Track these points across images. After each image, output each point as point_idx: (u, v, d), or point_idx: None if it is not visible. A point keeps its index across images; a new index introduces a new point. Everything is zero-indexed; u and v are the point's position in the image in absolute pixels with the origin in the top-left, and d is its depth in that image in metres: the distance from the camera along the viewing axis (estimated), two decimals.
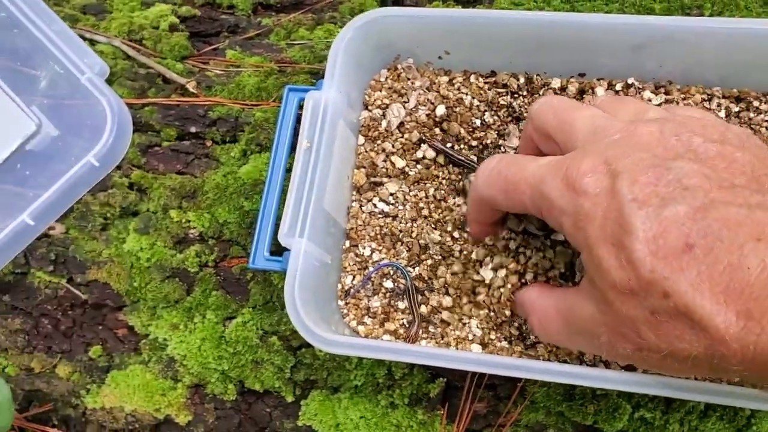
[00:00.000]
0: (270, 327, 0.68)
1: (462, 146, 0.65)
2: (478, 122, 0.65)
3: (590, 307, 0.44)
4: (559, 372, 0.50)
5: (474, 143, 0.65)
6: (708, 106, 0.62)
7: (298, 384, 0.68)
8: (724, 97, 0.62)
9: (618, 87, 0.63)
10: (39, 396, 0.74)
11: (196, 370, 0.69)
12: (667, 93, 0.63)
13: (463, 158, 0.63)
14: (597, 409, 0.61)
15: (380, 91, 0.67)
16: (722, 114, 0.62)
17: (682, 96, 0.62)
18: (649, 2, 0.74)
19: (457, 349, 0.59)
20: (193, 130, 0.75)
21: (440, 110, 0.65)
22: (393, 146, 0.65)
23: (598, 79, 0.64)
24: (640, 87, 0.63)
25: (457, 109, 0.65)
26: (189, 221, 0.71)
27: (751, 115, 0.61)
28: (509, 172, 0.47)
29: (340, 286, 0.64)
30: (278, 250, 0.60)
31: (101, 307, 0.73)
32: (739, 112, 0.62)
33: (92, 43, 0.81)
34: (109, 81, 0.78)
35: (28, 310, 0.74)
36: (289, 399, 0.68)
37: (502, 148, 0.64)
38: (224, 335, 0.69)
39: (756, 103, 0.62)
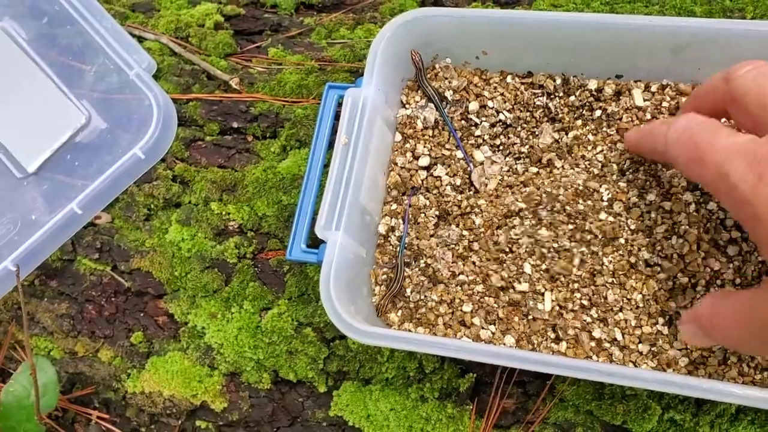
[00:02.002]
0: (305, 318, 0.70)
1: (498, 142, 0.66)
2: (510, 119, 0.66)
3: None
4: (587, 369, 0.50)
5: (505, 140, 0.66)
6: None
7: (330, 375, 0.69)
8: None
9: (653, 89, 0.63)
10: (82, 379, 0.77)
11: (232, 358, 0.71)
12: None
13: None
14: (626, 409, 0.61)
15: (417, 90, 0.68)
16: None
17: None
18: (690, 5, 0.74)
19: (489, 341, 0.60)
20: (234, 125, 0.77)
21: (473, 106, 0.66)
22: (425, 145, 0.66)
23: (635, 81, 0.64)
24: (675, 88, 0.63)
25: (491, 106, 0.66)
26: (229, 214, 0.74)
27: None
28: (701, 139, 0.44)
29: (374, 279, 0.65)
30: (314, 244, 0.62)
31: (143, 295, 0.76)
32: None
33: (140, 39, 0.84)
34: (156, 77, 0.80)
35: (73, 295, 0.77)
36: (322, 389, 0.69)
37: (532, 146, 0.65)
38: (260, 325, 0.71)
39: None
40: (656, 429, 0.62)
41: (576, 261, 0.58)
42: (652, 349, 0.56)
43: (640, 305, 0.57)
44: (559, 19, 0.60)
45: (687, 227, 0.56)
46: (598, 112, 0.64)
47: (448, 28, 0.64)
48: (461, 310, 0.61)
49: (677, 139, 0.47)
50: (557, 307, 0.58)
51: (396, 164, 0.67)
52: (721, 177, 0.41)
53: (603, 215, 0.59)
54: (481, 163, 0.66)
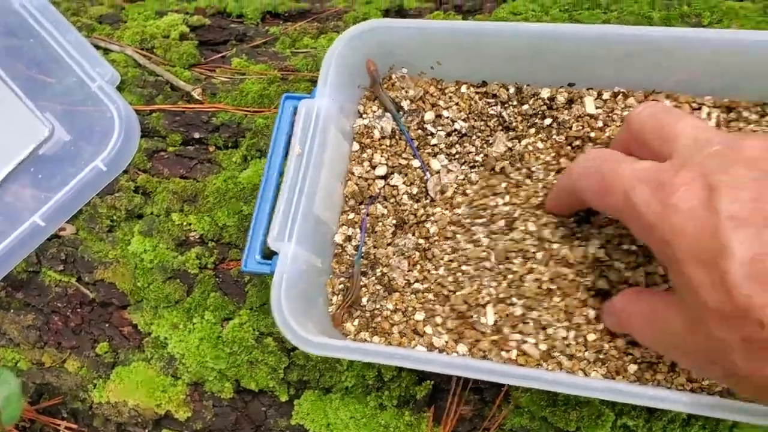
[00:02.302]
0: (266, 328, 0.70)
1: (454, 151, 0.66)
2: (465, 128, 0.66)
3: (679, 321, 0.42)
4: (536, 378, 0.51)
5: (460, 149, 0.66)
6: (698, 116, 0.62)
7: (291, 384, 0.70)
8: (715, 106, 0.62)
9: (606, 96, 0.64)
10: (49, 389, 0.77)
11: (194, 368, 0.71)
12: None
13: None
14: (580, 415, 0.62)
15: (374, 100, 0.68)
16: (713, 123, 0.62)
17: (672, 102, 0.63)
18: (648, 10, 0.74)
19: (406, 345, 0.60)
20: (196, 135, 0.78)
21: (429, 116, 0.67)
22: (382, 154, 0.67)
23: (588, 89, 0.64)
24: (627, 95, 0.63)
25: (446, 116, 0.66)
26: (190, 224, 0.74)
27: (741, 125, 0.61)
28: (606, 170, 0.46)
29: (330, 289, 0.65)
30: (269, 255, 0.62)
31: (108, 306, 0.76)
32: (729, 121, 0.62)
33: (106, 51, 0.85)
34: (120, 88, 0.81)
35: (39, 306, 0.77)
36: (283, 398, 0.70)
37: (487, 154, 0.65)
38: (221, 335, 0.71)
39: (746, 114, 0.62)
40: None
41: (508, 277, 0.60)
42: (600, 356, 0.56)
43: (579, 313, 0.58)
44: (508, 30, 0.60)
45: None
46: (548, 120, 0.64)
47: (404, 39, 0.64)
48: (414, 319, 0.61)
49: (583, 172, 0.49)
50: (499, 320, 0.59)
51: (353, 174, 0.67)
52: (628, 204, 0.43)
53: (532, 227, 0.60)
54: (437, 172, 0.66)
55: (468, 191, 0.65)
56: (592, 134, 0.63)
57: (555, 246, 0.59)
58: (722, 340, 0.37)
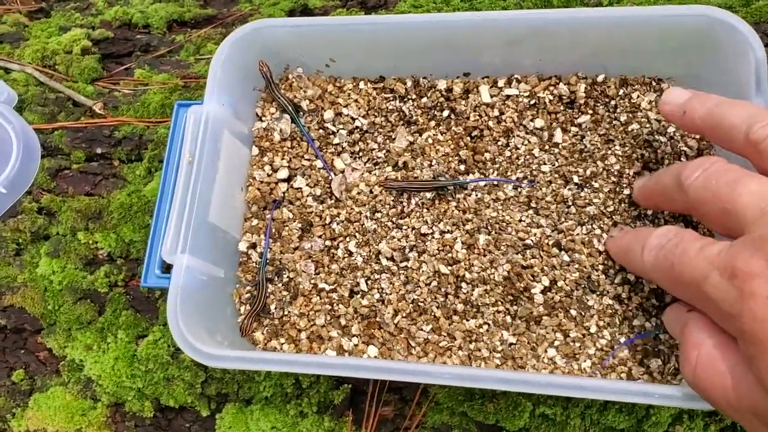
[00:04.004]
0: None
1: (357, 149, 0.65)
2: (365, 125, 0.65)
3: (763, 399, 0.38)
4: (441, 374, 0.50)
5: (363, 146, 0.65)
6: (594, 94, 0.62)
7: (211, 398, 0.68)
8: (612, 86, 0.62)
9: (501, 84, 0.63)
10: None
11: (111, 389, 0.69)
12: (552, 85, 0.63)
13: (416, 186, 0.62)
14: (497, 407, 0.61)
15: (272, 102, 0.67)
16: (612, 103, 0.62)
17: (565, 84, 0.62)
18: None
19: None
20: (99, 151, 0.76)
21: (329, 115, 0.65)
22: (284, 157, 0.65)
23: (483, 78, 0.64)
24: (521, 80, 0.63)
25: (346, 114, 0.65)
26: (96, 242, 0.72)
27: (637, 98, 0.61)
28: (676, 259, 0.42)
29: (237, 298, 0.63)
30: (169, 269, 0.60)
31: (21, 332, 0.74)
32: (624, 96, 0.62)
33: (6, 71, 0.82)
34: (20, 108, 0.78)
35: None
36: (205, 413, 0.68)
37: (390, 151, 0.64)
38: (137, 354, 0.69)
39: (641, 88, 0.61)
40: (529, 425, 0.61)
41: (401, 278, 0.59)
42: (500, 348, 0.56)
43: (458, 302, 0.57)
44: (394, 22, 0.59)
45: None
46: (446, 112, 0.63)
47: (291, 39, 0.63)
48: (316, 324, 0.60)
49: (654, 264, 0.46)
50: (400, 318, 0.58)
51: (254, 179, 0.66)
52: (704, 296, 0.40)
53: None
54: (342, 171, 0.65)
55: (371, 189, 0.63)
56: (490, 123, 0.62)
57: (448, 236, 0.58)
58: None
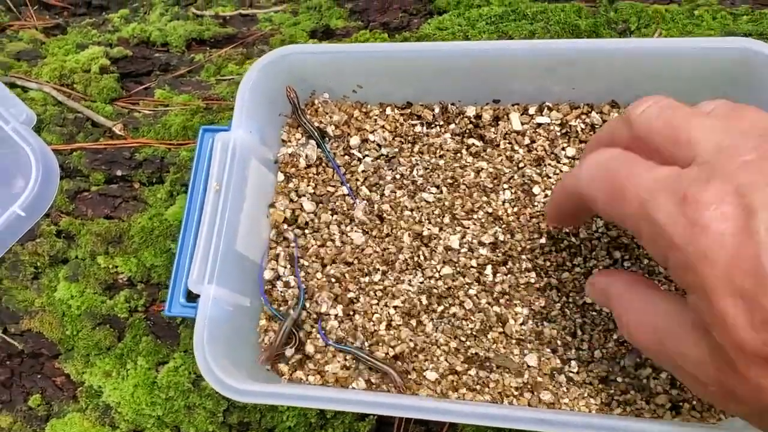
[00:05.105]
0: None
1: (381, 175, 0.64)
2: (392, 151, 0.64)
3: (700, 353, 0.36)
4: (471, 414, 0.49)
5: (389, 173, 0.64)
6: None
7: (233, 427, 0.67)
8: None
9: (531, 111, 0.62)
10: None
11: (131, 416, 0.68)
12: (584, 114, 0.62)
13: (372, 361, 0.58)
14: None
15: (298, 127, 0.66)
16: None
17: (597, 113, 0.61)
18: (575, 19, 0.73)
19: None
20: (119, 173, 0.75)
21: (355, 141, 0.64)
22: (309, 183, 0.64)
23: (513, 104, 0.63)
24: (552, 108, 0.62)
25: (372, 140, 0.64)
26: (117, 266, 0.71)
27: None
28: (618, 174, 0.40)
29: (260, 328, 0.62)
30: (196, 296, 0.59)
31: (38, 356, 0.73)
32: None
33: (24, 90, 0.81)
34: (38, 128, 0.77)
35: None
36: None
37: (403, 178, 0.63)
38: (157, 381, 0.68)
39: None
40: None
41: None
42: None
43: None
44: (431, 50, 0.59)
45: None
46: (474, 140, 0.63)
47: (319, 65, 0.62)
48: (347, 359, 0.59)
49: (592, 176, 0.43)
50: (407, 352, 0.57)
51: (279, 205, 0.65)
52: (645, 217, 0.37)
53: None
54: (366, 198, 0.64)
55: (398, 216, 0.62)
56: (521, 151, 0.61)
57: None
58: (762, 386, 0.33)
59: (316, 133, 0.64)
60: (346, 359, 0.59)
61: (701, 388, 0.38)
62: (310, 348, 0.60)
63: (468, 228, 0.60)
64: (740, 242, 0.32)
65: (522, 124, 0.62)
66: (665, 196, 0.35)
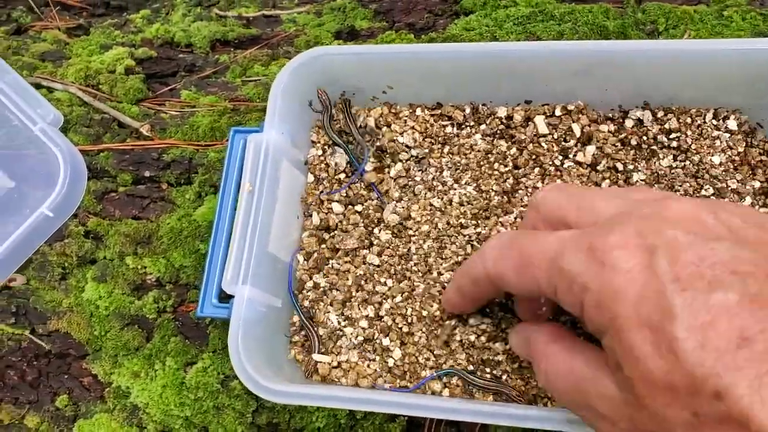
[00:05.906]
0: (230, 371, 0.67)
1: (411, 176, 0.64)
2: (421, 152, 0.64)
3: (611, 390, 0.38)
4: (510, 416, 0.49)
5: (419, 174, 0.64)
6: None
7: (261, 428, 0.67)
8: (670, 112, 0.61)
9: (558, 112, 0.62)
10: None
11: (159, 417, 0.68)
12: (610, 118, 0.62)
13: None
14: None
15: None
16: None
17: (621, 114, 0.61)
18: (602, 20, 0.73)
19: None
20: (147, 174, 0.75)
21: (385, 142, 0.65)
22: (339, 184, 0.65)
23: (543, 105, 0.63)
24: (582, 110, 0.62)
25: (402, 141, 0.64)
26: (145, 267, 0.71)
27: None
28: (523, 245, 0.43)
29: (294, 328, 0.63)
30: (228, 296, 0.59)
31: (65, 357, 0.73)
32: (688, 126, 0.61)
33: (50, 90, 0.81)
34: (65, 128, 0.78)
35: None
36: None
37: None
38: (185, 381, 0.68)
39: (698, 120, 0.61)
40: None
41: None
42: None
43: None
44: (456, 51, 0.59)
45: None
46: (505, 141, 0.63)
47: (349, 66, 0.62)
48: (382, 356, 0.59)
49: (498, 255, 0.45)
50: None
51: (310, 206, 0.65)
52: (557, 273, 0.39)
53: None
54: (396, 200, 0.64)
55: (426, 218, 0.62)
56: (545, 154, 0.61)
57: None
58: (667, 416, 0.34)
59: (342, 143, 0.64)
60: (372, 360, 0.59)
61: (613, 429, 0.39)
62: (343, 350, 0.60)
63: (499, 230, 0.60)
64: (646, 278, 0.34)
65: (548, 125, 0.62)
66: (572, 248, 0.38)
